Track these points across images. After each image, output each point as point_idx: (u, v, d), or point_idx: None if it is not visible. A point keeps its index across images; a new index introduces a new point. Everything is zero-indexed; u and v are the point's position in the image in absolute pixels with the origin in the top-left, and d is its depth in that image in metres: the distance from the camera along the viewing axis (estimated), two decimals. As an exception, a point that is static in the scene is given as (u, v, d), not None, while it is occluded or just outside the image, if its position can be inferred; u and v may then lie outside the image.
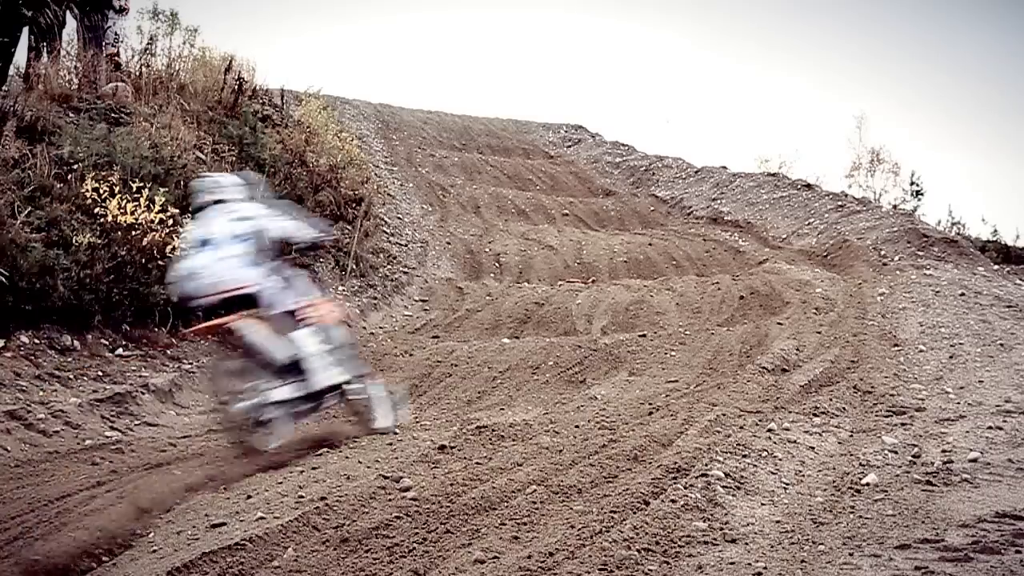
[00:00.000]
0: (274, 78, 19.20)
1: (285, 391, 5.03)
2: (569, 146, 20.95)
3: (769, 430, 4.85)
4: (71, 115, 8.59)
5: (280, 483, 4.26)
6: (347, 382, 5.36)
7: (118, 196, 7.28)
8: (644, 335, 8.28)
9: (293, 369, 5.10)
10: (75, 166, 7.52)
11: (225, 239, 5.17)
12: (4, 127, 7.47)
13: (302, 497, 3.96)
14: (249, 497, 4.10)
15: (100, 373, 6.57)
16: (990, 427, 4.96)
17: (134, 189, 7.42)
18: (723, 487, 3.89)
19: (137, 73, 10.31)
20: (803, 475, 4.31)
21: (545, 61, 51.74)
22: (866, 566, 3.08)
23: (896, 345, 7.44)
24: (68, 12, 9.70)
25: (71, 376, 6.36)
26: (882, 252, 11.06)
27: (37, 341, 6.50)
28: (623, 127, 53.79)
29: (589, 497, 3.88)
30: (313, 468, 4.50)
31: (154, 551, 3.61)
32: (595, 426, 5.20)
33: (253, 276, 5.15)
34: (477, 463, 4.38)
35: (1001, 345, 7.13)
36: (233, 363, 5.18)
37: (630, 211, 16.06)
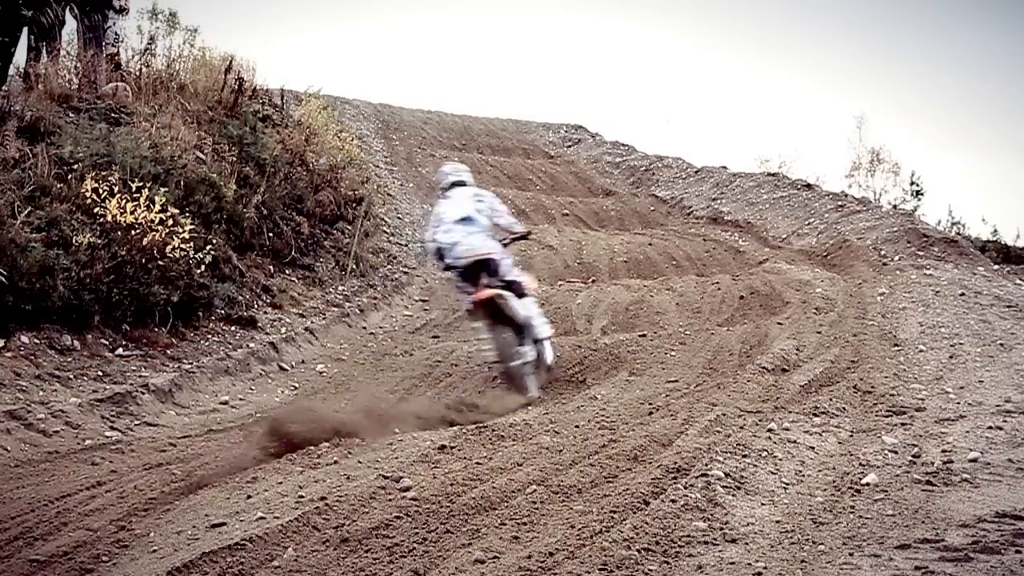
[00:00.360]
0: (274, 78, 19.30)
1: (520, 354, 6.52)
2: (569, 146, 20.94)
3: (769, 430, 4.84)
4: (71, 115, 8.59)
5: (280, 483, 4.26)
6: (547, 336, 6.93)
7: (118, 196, 7.28)
8: (644, 335, 8.27)
9: (518, 327, 6.53)
10: (75, 166, 7.53)
11: (469, 215, 6.55)
12: (4, 127, 7.48)
13: (302, 497, 3.96)
14: (249, 497, 4.10)
15: (100, 373, 6.57)
16: (990, 427, 4.95)
17: (134, 189, 7.42)
18: (723, 487, 3.89)
19: (137, 73, 10.32)
20: (803, 475, 4.30)
21: (545, 61, 51.81)
22: (866, 566, 3.08)
23: (896, 345, 7.43)
24: (68, 12, 9.70)
25: (71, 376, 6.36)
26: (882, 252, 11.04)
27: (37, 341, 6.50)
28: (623, 127, 53.89)
29: (589, 497, 3.88)
30: (313, 468, 4.50)
31: (154, 551, 3.61)
32: (595, 426, 5.19)
33: (494, 247, 6.56)
34: (477, 463, 4.38)
35: (1001, 345, 7.13)
36: (498, 335, 6.57)
37: (630, 211, 16.05)
